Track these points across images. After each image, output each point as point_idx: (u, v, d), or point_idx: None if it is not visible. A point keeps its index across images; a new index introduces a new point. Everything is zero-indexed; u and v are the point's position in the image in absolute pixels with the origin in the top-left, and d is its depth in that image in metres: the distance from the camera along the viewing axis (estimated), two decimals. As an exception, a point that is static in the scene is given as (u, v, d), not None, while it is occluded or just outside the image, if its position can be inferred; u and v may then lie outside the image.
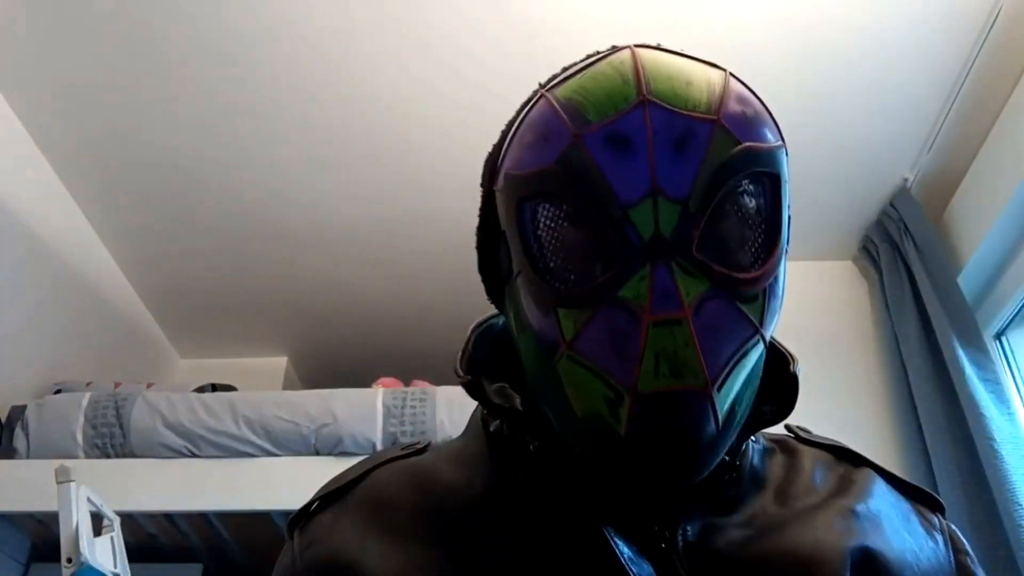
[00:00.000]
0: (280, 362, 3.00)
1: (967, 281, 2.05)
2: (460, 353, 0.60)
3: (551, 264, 0.51)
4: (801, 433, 0.67)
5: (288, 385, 2.98)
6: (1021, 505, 1.65)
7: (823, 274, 2.43)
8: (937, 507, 0.62)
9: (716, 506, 0.55)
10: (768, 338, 0.53)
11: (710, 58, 0.56)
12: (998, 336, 2.07)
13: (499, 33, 1.85)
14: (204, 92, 2.02)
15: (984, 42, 1.81)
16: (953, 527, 0.61)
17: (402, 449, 0.65)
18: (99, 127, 2.13)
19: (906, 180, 2.18)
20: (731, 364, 0.48)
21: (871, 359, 2.26)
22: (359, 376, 2.45)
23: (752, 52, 1.87)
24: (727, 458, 0.55)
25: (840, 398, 2.18)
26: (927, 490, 0.63)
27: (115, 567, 1.54)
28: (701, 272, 0.48)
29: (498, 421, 0.60)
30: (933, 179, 2.16)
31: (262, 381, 2.84)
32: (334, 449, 1.92)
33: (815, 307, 2.37)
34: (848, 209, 2.30)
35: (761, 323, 0.50)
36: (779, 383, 0.57)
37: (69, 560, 1.42)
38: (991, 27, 1.78)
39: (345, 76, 1.98)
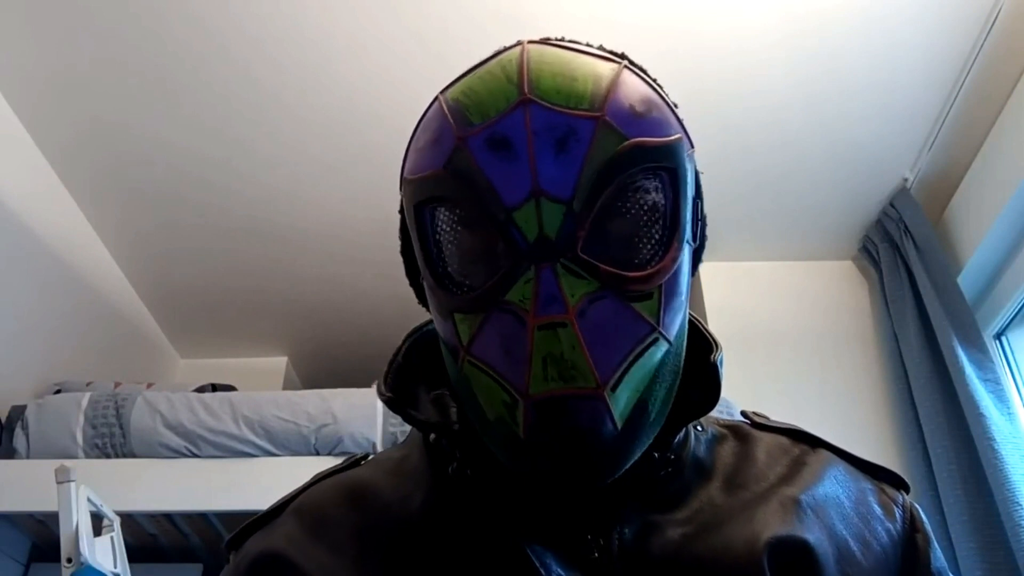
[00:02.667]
0: (280, 362, 3.00)
1: (967, 281, 2.05)
2: (387, 366, 0.59)
3: (449, 268, 0.51)
4: (756, 419, 0.65)
5: (288, 385, 2.98)
6: (1021, 505, 1.65)
7: (823, 274, 2.43)
8: (901, 485, 0.61)
9: (657, 503, 0.54)
10: (674, 337, 0.51)
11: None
12: (998, 336, 2.07)
13: (499, 32, 1.85)
14: (205, 91, 2.02)
15: (984, 42, 1.81)
16: (916, 506, 0.60)
17: (341, 463, 0.64)
18: (98, 125, 2.13)
19: (906, 180, 2.18)
20: (626, 364, 0.48)
21: (871, 359, 2.27)
22: (359, 376, 2.45)
23: (752, 52, 1.87)
24: (656, 454, 0.54)
25: (840, 398, 2.19)
26: (890, 469, 0.61)
27: (115, 567, 1.54)
28: (588, 272, 0.47)
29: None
30: (933, 179, 2.16)
31: (262, 381, 2.84)
32: (334, 449, 1.92)
33: (815, 307, 2.37)
34: (848, 209, 2.30)
35: (659, 322, 0.49)
36: (705, 372, 0.55)
37: (69, 560, 1.42)
38: (991, 27, 1.78)
39: (345, 76, 1.98)
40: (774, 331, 2.29)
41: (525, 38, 0.54)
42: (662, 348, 0.50)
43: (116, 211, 2.39)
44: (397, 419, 1.96)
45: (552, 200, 0.47)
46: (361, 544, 0.54)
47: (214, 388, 2.22)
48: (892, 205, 2.22)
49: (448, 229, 0.51)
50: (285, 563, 0.54)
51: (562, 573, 0.50)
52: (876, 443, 2.10)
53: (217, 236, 2.46)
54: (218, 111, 2.07)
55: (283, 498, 0.62)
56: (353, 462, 0.64)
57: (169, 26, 1.87)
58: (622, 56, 0.54)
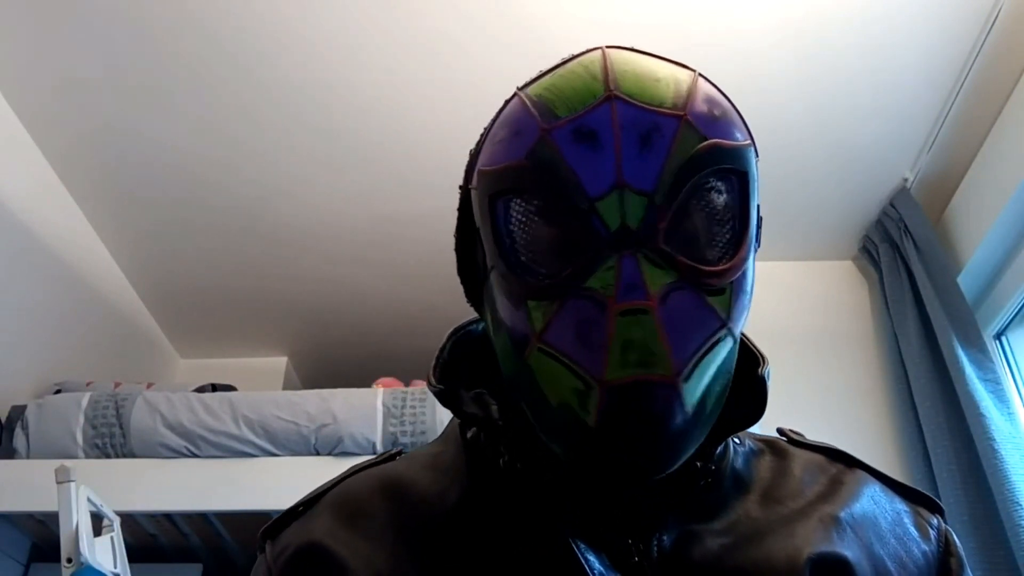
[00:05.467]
0: (280, 362, 3.00)
1: (967, 281, 2.05)
2: (434, 360, 0.60)
3: (522, 258, 0.52)
4: (793, 436, 0.66)
5: (288, 385, 2.98)
6: (1021, 505, 1.65)
7: (823, 274, 2.43)
8: (936, 509, 0.62)
9: (695, 512, 0.54)
10: (738, 333, 0.52)
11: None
12: (998, 336, 2.07)
13: (499, 32, 1.85)
14: (204, 91, 2.02)
15: (984, 42, 1.81)
16: (950, 531, 0.61)
17: (374, 458, 0.65)
18: (98, 125, 2.13)
19: (906, 180, 2.18)
20: (698, 356, 0.48)
21: (871, 359, 2.27)
22: (359, 376, 2.45)
23: (752, 53, 1.87)
24: (699, 463, 0.55)
25: (840, 398, 2.19)
26: (926, 493, 0.63)
27: (115, 567, 1.54)
28: (667, 263, 0.48)
29: (475, 428, 0.60)
30: (933, 179, 2.16)
31: (262, 381, 2.84)
32: (334, 449, 1.92)
33: (815, 307, 2.37)
34: (848, 209, 2.30)
35: (729, 316, 0.50)
36: (750, 385, 0.56)
37: (69, 560, 1.42)
38: (991, 27, 1.78)
39: (345, 76, 1.98)
40: (774, 331, 2.28)
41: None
42: (728, 344, 0.51)
43: (116, 212, 2.39)
44: (397, 419, 1.96)
45: (635, 192, 0.48)
46: (397, 535, 0.55)
47: (214, 388, 2.22)
48: (892, 205, 2.22)
49: (523, 219, 0.52)
50: (325, 553, 0.55)
51: (603, 572, 0.51)
52: (876, 443, 2.10)
53: (217, 236, 2.46)
54: (218, 112, 2.07)
55: (316, 490, 0.62)
56: (387, 457, 0.64)
57: (169, 29, 1.87)
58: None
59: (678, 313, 0.48)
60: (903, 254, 2.17)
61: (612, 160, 0.49)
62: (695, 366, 0.48)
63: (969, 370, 1.85)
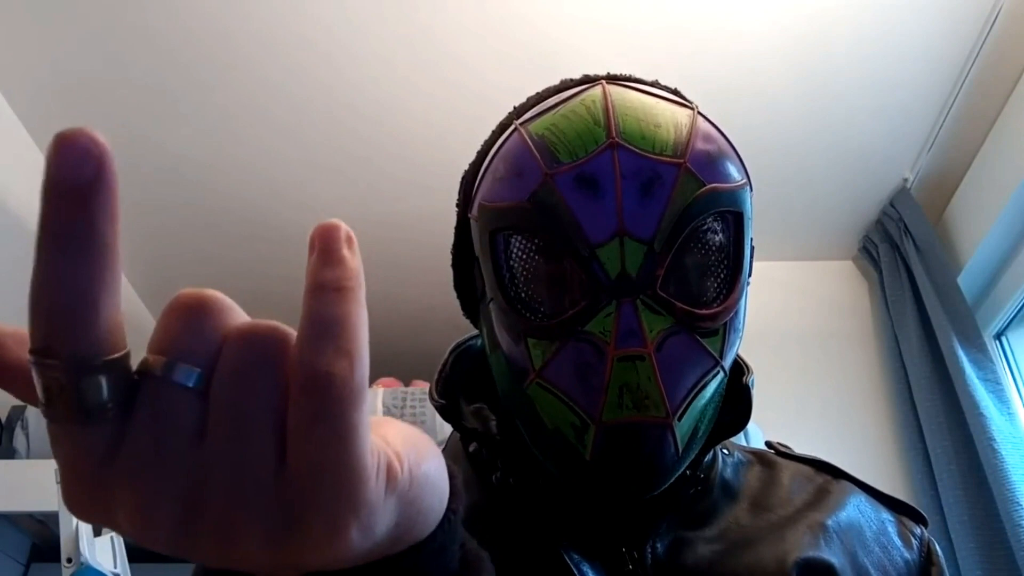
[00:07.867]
0: (280, 362, 3.00)
1: (967, 281, 2.05)
2: (436, 375, 0.61)
3: (522, 294, 0.53)
4: (781, 448, 0.68)
5: (288, 385, 2.97)
6: (1021, 505, 1.65)
7: (823, 274, 2.43)
8: (920, 520, 0.64)
9: (687, 520, 0.56)
10: (728, 367, 0.54)
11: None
12: (998, 336, 2.07)
13: (496, 36, 1.85)
14: (204, 93, 2.02)
15: (984, 42, 1.81)
16: (933, 541, 0.63)
17: None
18: (99, 126, 2.09)
19: (906, 180, 2.18)
20: (691, 396, 0.51)
21: (871, 359, 2.26)
22: (359, 376, 2.45)
23: (753, 53, 1.87)
24: (688, 472, 0.56)
25: (840, 398, 2.19)
26: (911, 504, 0.65)
27: (115, 567, 1.54)
28: (664, 309, 0.50)
29: (475, 443, 0.61)
30: (933, 179, 2.16)
31: (262, 381, 2.84)
32: (334, 449, 1.92)
33: (815, 307, 2.37)
34: (848, 209, 2.30)
35: (721, 355, 0.53)
36: (736, 394, 0.58)
37: (69, 560, 1.42)
38: (991, 27, 1.78)
39: (343, 78, 1.98)
40: (774, 331, 2.29)
41: (593, 73, 0.57)
42: (719, 378, 0.53)
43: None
44: (397, 419, 1.96)
45: (635, 240, 0.50)
46: None
47: (214, 388, 2.21)
48: (892, 205, 2.22)
49: (524, 256, 0.53)
50: None
51: None
52: (876, 443, 2.10)
53: (217, 238, 2.46)
54: (217, 116, 2.07)
55: None
56: None
57: (170, 31, 1.87)
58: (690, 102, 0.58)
59: (673, 358, 0.50)
60: (903, 254, 2.17)
61: (613, 208, 0.50)
62: (688, 406, 0.50)
63: (969, 370, 1.85)
